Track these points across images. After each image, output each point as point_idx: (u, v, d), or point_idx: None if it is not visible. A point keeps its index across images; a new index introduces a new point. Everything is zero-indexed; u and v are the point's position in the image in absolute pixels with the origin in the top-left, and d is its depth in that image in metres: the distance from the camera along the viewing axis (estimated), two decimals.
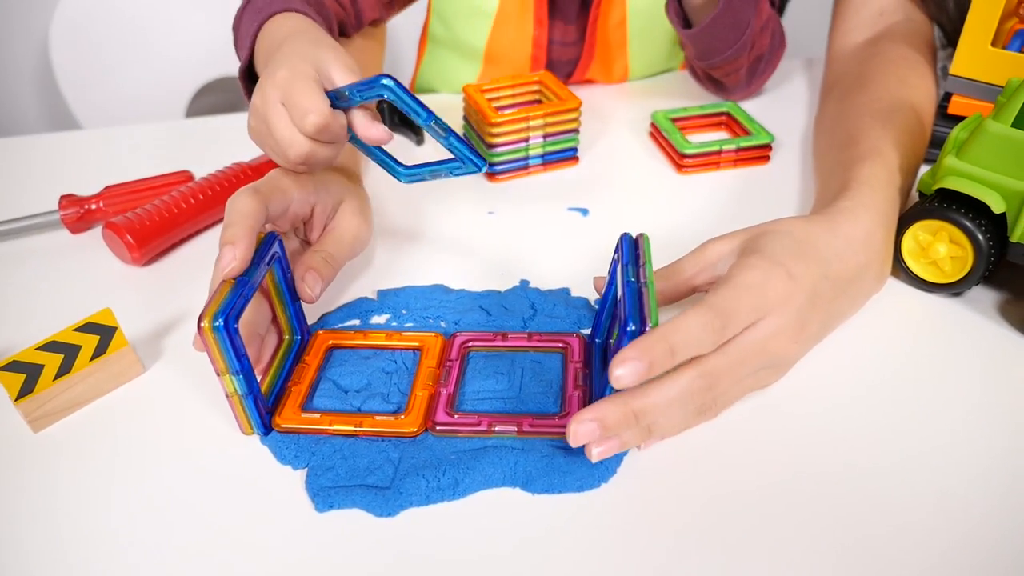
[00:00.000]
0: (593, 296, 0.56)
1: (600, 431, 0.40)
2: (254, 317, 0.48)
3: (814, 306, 0.46)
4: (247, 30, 0.60)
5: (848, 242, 0.50)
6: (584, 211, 0.66)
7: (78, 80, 1.35)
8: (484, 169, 0.51)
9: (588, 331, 0.52)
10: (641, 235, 0.46)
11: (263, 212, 0.47)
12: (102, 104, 1.37)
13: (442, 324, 0.53)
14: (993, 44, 0.63)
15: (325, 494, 0.42)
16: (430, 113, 0.47)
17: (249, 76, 0.62)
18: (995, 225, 0.51)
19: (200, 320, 0.40)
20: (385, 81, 0.46)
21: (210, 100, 1.48)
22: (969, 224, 0.51)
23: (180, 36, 1.37)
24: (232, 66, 1.34)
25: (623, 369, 0.38)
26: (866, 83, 0.67)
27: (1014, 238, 0.50)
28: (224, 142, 0.79)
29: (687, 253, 0.50)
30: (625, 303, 0.41)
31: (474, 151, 0.50)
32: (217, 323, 0.40)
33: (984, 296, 0.55)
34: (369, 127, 0.49)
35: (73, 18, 1.31)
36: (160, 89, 1.40)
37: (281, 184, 0.50)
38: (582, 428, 0.40)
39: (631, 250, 0.45)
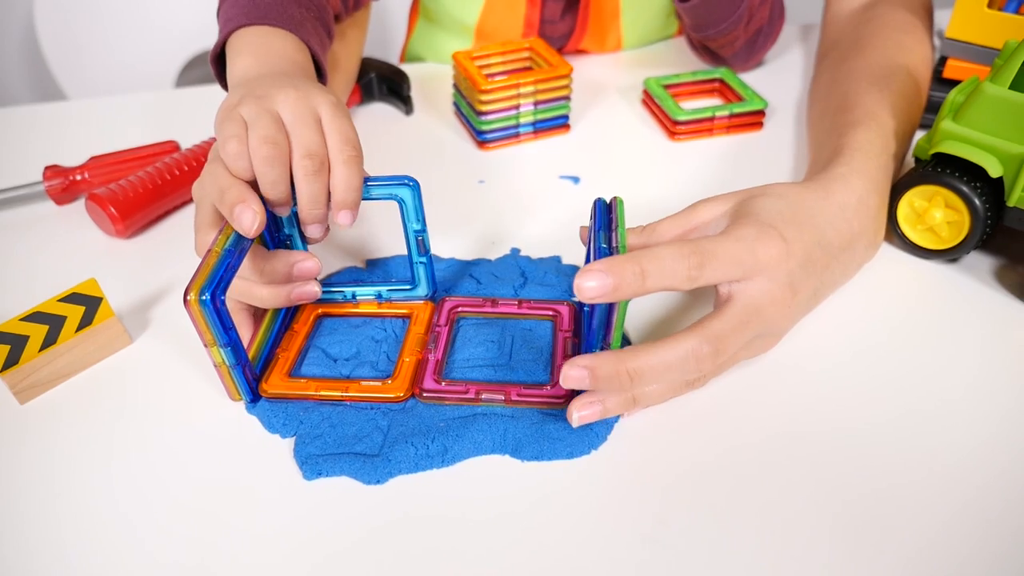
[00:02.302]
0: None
1: (590, 381, 0.40)
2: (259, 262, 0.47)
3: (806, 272, 0.45)
4: (234, 13, 0.55)
5: (842, 209, 0.49)
6: (575, 179, 0.66)
7: (64, 52, 1.33)
8: (427, 297, 0.51)
9: (578, 299, 0.52)
10: (615, 199, 0.45)
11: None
12: (89, 76, 1.36)
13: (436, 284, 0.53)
14: (990, 6, 0.62)
15: (313, 462, 0.41)
16: (424, 227, 0.48)
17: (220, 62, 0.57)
18: (992, 189, 0.51)
19: (186, 293, 0.40)
20: (410, 184, 0.46)
21: (200, 72, 1.46)
22: (966, 188, 0.51)
23: (170, 6, 1.35)
24: None
25: (589, 280, 0.37)
26: (862, 47, 0.65)
27: (1011, 202, 0.50)
28: (212, 113, 0.78)
29: (676, 213, 0.49)
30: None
31: (432, 275, 0.50)
32: (204, 297, 0.40)
33: (981, 262, 0.55)
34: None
35: None
36: (149, 61, 1.38)
37: None
38: (573, 372, 0.40)
39: (603, 215, 0.45)
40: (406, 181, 0.46)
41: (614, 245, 0.41)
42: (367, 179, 0.46)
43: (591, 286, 0.38)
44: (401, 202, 0.47)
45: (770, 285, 0.43)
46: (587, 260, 0.48)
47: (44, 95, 1.55)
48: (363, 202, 0.47)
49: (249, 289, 0.47)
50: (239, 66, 0.52)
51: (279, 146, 0.44)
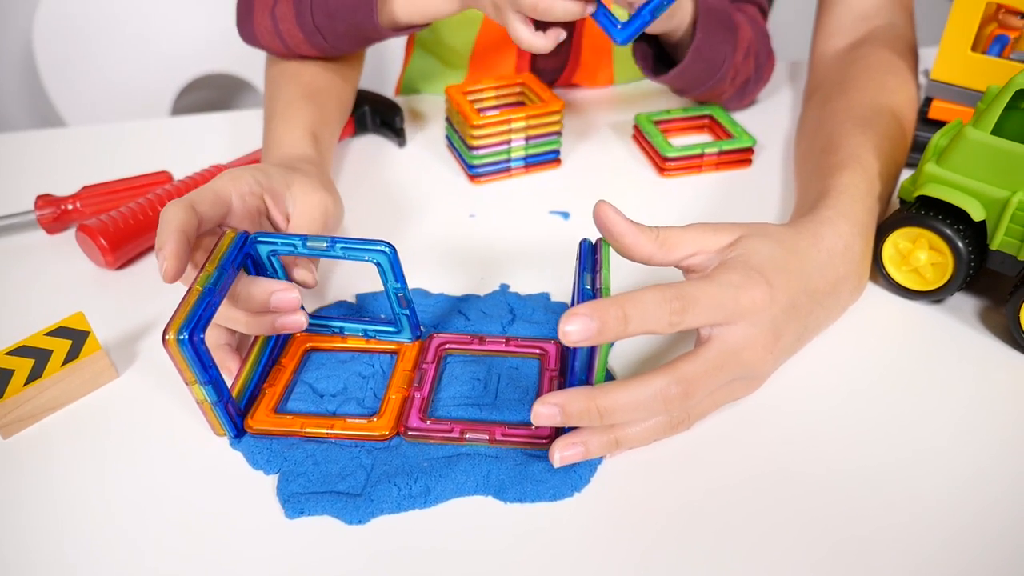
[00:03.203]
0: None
1: (560, 418, 0.40)
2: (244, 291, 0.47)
3: (790, 318, 0.46)
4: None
5: (830, 255, 0.49)
6: (565, 215, 0.66)
7: (62, 75, 1.34)
8: (411, 340, 0.51)
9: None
10: (600, 240, 0.46)
11: (189, 214, 0.45)
12: (87, 100, 1.36)
13: (420, 328, 0.53)
14: (973, 49, 0.63)
15: (296, 500, 0.41)
16: (404, 285, 0.48)
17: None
18: (975, 232, 0.51)
19: (165, 333, 0.40)
20: (386, 251, 0.46)
21: (197, 97, 1.47)
22: (949, 231, 0.51)
23: (167, 31, 1.36)
24: (219, 63, 1.34)
25: (572, 324, 0.38)
26: (847, 88, 0.66)
27: (994, 245, 0.50)
28: (206, 142, 0.79)
29: (696, 225, 0.47)
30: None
31: (415, 323, 0.50)
32: (182, 336, 0.40)
33: (965, 303, 0.55)
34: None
35: (57, 11, 1.30)
36: (146, 85, 1.38)
37: (213, 186, 0.49)
38: (543, 410, 0.40)
39: (588, 256, 0.45)
40: (382, 248, 0.46)
41: (598, 287, 0.42)
42: (343, 241, 0.46)
43: (574, 330, 0.38)
44: (379, 265, 0.47)
45: (752, 330, 0.43)
46: (572, 301, 0.48)
47: (42, 121, 1.56)
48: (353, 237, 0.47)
49: (234, 315, 0.47)
50: None
51: None
